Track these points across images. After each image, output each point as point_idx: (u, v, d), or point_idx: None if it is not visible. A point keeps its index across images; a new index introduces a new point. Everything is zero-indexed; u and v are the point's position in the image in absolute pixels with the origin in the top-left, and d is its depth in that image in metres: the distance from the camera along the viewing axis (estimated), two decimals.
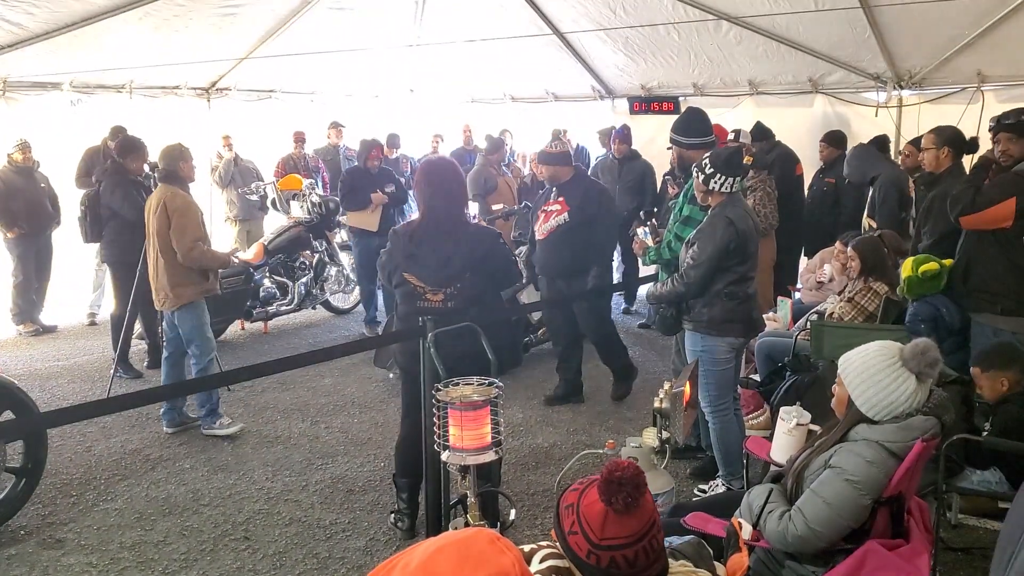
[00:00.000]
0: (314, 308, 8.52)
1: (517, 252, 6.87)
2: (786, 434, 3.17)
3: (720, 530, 2.58)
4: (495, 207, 8.37)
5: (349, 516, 4.27)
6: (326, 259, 8.31)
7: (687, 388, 3.32)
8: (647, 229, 4.82)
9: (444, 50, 9.76)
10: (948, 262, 4.52)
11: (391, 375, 6.40)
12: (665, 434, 3.25)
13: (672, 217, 4.67)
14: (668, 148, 5.09)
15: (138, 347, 6.93)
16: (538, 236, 5.78)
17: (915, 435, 2.46)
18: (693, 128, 4.68)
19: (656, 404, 3.28)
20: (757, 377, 5.39)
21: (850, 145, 7.15)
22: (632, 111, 9.43)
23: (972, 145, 5.17)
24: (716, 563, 2.10)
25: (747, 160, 6.81)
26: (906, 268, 4.66)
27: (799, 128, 8.19)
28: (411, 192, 8.06)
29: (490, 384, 2.89)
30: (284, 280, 7.90)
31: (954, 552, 3.69)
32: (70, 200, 7.89)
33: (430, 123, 11.40)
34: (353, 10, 8.59)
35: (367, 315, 7.96)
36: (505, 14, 8.61)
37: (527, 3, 8.31)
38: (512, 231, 8.25)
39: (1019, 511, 1.75)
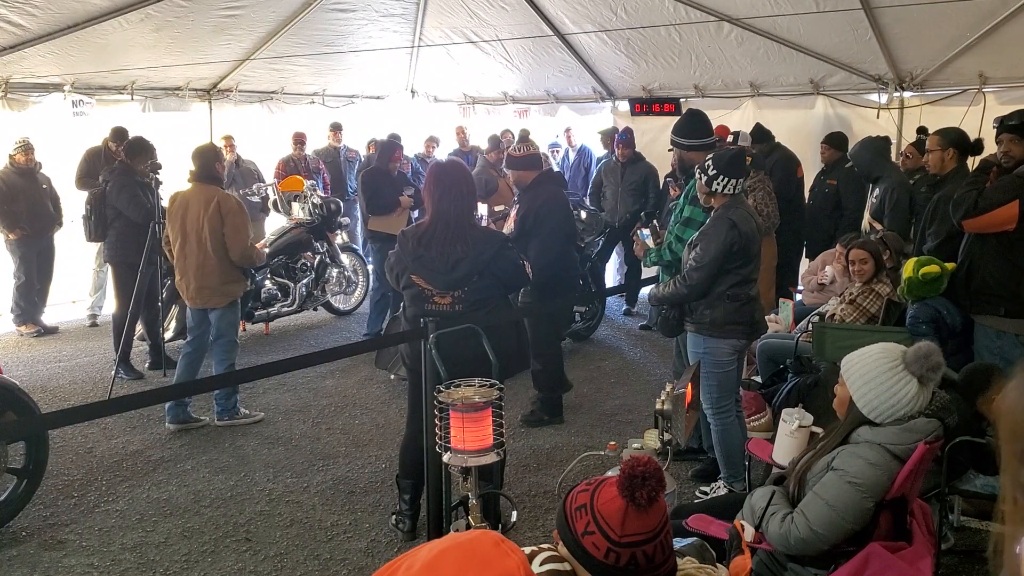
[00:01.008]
0: (315, 309, 8.53)
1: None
2: (788, 436, 3.16)
3: (722, 532, 2.58)
4: (496, 208, 8.38)
5: (351, 517, 4.27)
6: (327, 260, 8.31)
7: (689, 390, 3.32)
8: (648, 231, 4.82)
9: (445, 52, 9.78)
10: (950, 266, 4.52)
11: (392, 376, 6.40)
12: (667, 436, 3.25)
13: (673, 218, 4.66)
14: (669, 150, 5.08)
15: (139, 348, 6.93)
16: None
17: (918, 437, 2.45)
18: (694, 130, 4.68)
19: (658, 406, 3.27)
20: (759, 379, 5.38)
21: (850, 146, 7.14)
22: (633, 113, 9.43)
23: (977, 146, 5.16)
24: (719, 565, 2.09)
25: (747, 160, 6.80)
26: (907, 269, 4.65)
27: (800, 130, 8.20)
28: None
29: (492, 386, 2.88)
30: (285, 281, 7.90)
31: (956, 555, 3.69)
32: (72, 201, 7.91)
33: (430, 125, 11.40)
34: (354, 11, 8.60)
35: (376, 327, 7.55)
36: (506, 15, 8.61)
37: (528, 4, 8.32)
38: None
39: None
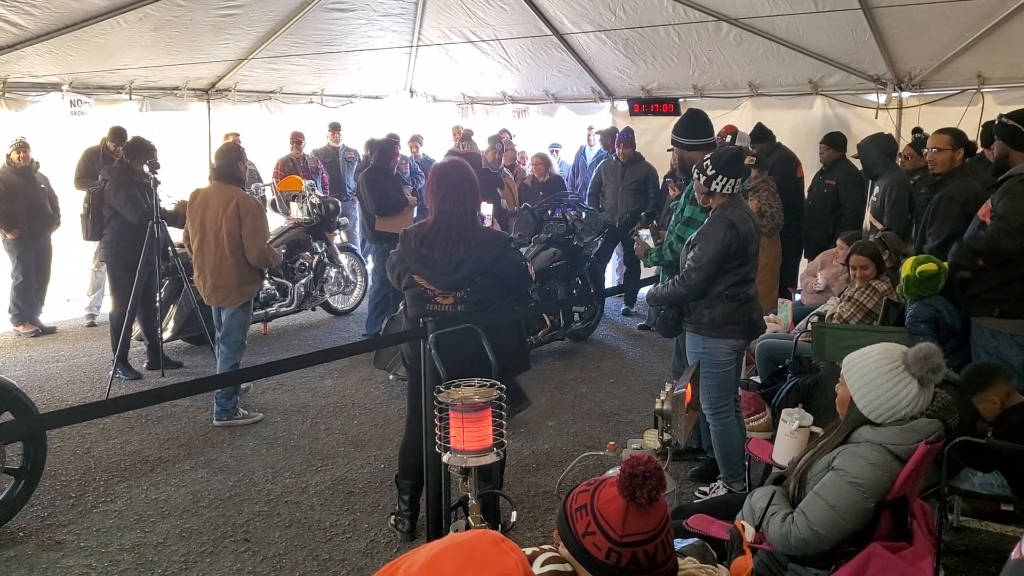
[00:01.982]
0: (313, 309, 8.52)
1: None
2: (788, 436, 3.16)
3: (722, 532, 2.57)
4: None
5: (349, 518, 4.26)
6: (326, 260, 8.30)
7: (688, 390, 3.32)
8: (649, 231, 4.82)
9: (443, 51, 9.77)
10: (945, 264, 4.52)
11: (391, 376, 6.39)
12: (666, 436, 3.24)
13: (673, 218, 4.66)
14: (669, 150, 5.08)
15: (138, 348, 6.92)
16: None
17: (919, 438, 2.45)
18: (694, 130, 4.67)
19: (657, 406, 3.27)
20: (758, 379, 5.38)
21: (851, 146, 7.15)
22: (632, 113, 9.42)
23: (973, 146, 5.18)
24: (720, 565, 2.09)
25: (749, 160, 6.81)
26: (906, 267, 4.66)
27: (799, 130, 8.20)
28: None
29: (492, 386, 2.88)
30: (283, 281, 7.89)
31: (957, 554, 3.69)
32: (69, 201, 7.90)
33: (430, 124, 11.40)
34: (353, 11, 8.59)
35: (375, 327, 7.54)
36: (505, 15, 8.61)
37: (527, 4, 8.32)
38: (513, 232, 8.25)
39: None
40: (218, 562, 3.84)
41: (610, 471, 2.72)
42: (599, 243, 8.34)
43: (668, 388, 3.29)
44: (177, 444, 5.27)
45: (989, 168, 4.78)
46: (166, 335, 6.91)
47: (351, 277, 8.75)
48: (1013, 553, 1.88)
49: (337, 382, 6.50)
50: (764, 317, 4.78)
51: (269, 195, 8.53)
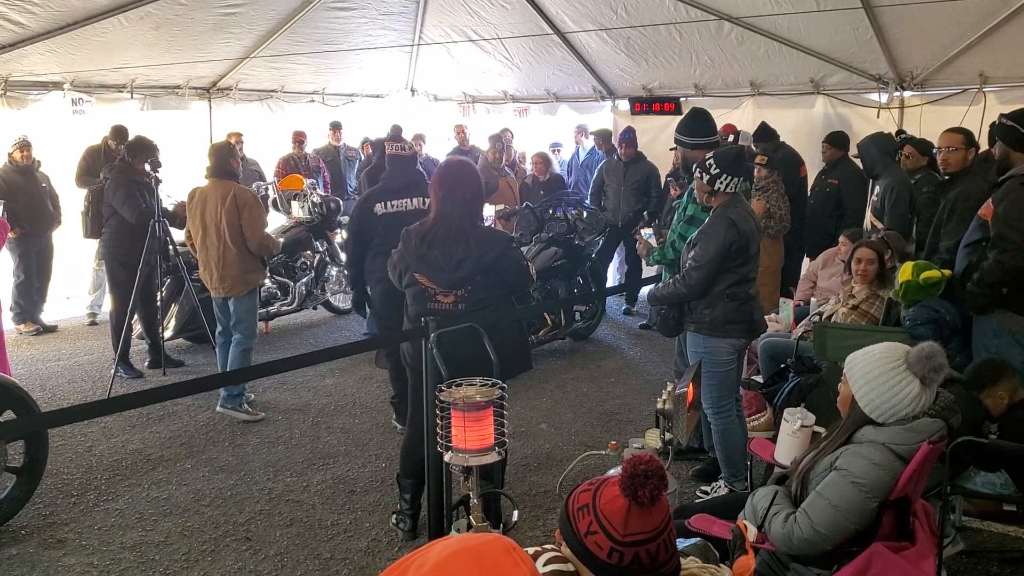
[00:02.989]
0: (315, 308, 8.52)
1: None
2: (790, 436, 3.16)
3: (724, 532, 2.57)
4: (496, 207, 8.37)
5: (351, 517, 4.26)
6: (327, 259, 8.30)
7: (690, 389, 3.31)
8: (651, 230, 4.82)
9: (444, 50, 9.77)
10: (947, 272, 4.51)
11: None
12: (668, 435, 3.24)
13: (676, 217, 4.65)
14: (672, 148, 5.08)
15: (139, 347, 6.92)
16: None
17: (921, 437, 2.45)
18: (697, 128, 4.67)
19: (659, 405, 3.27)
20: (759, 378, 5.37)
21: (852, 146, 7.14)
22: (633, 112, 9.42)
23: (977, 145, 5.19)
24: (722, 565, 2.09)
25: (760, 160, 6.81)
26: (904, 272, 4.63)
27: (800, 129, 8.20)
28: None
29: (493, 385, 2.88)
30: (285, 280, 7.89)
31: (959, 555, 3.68)
32: (70, 200, 7.90)
33: (430, 123, 11.39)
34: (354, 10, 8.59)
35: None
36: (506, 14, 8.61)
37: (528, 3, 8.31)
38: (513, 231, 8.24)
39: None
40: (219, 561, 3.84)
41: (612, 471, 2.72)
42: (600, 242, 8.34)
43: (669, 388, 3.29)
44: (178, 443, 5.27)
45: (993, 167, 4.77)
46: (167, 334, 6.91)
47: None
48: None
49: (338, 381, 6.50)
50: (765, 317, 4.77)
51: (271, 194, 8.52)
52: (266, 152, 9.86)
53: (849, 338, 4.44)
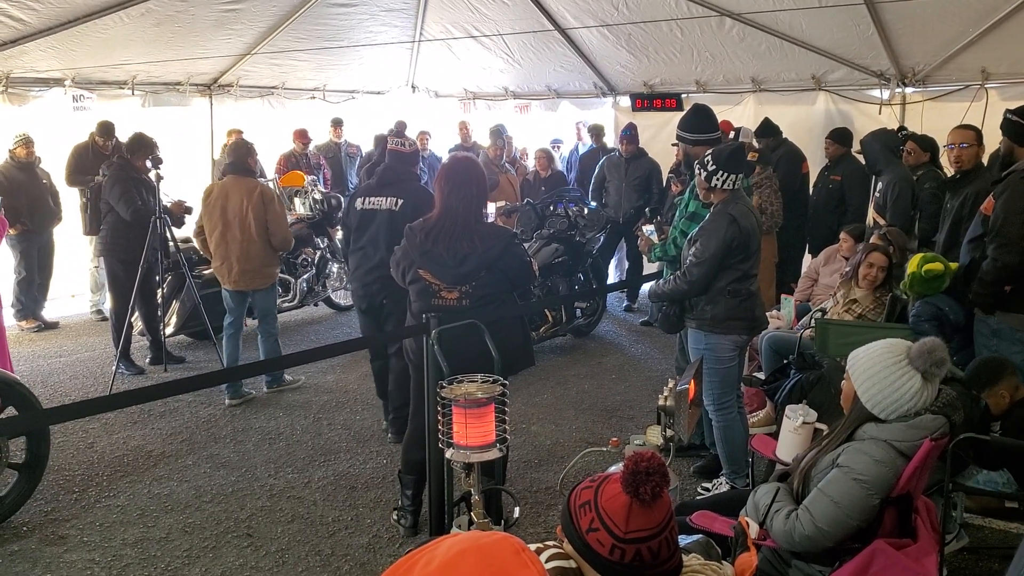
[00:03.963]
0: (316, 305, 8.52)
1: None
2: (792, 432, 3.15)
3: (726, 529, 2.57)
4: (497, 204, 8.36)
5: (352, 513, 4.26)
6: (328, 256, 8.30)
7: (691, 386, 3.31)
8: (652, 227, 4.81)
9: (445, 47, 9.76)
10: (953, 265, 4.50)
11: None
12: (669, 432, 3.24)
13: (677, 214, 4.65)
14: (673, 144, 5.07)
15: (141, 344, 6.93)
16: None
17: (924, 434, 2.45)
18: (699, 125, 4.66)
19: (660, 402, 3.27)
20: (760, 375, 5.37)
21: (854, 142, 7.14)
22: (634, 108, 9.42)
23: None
24: (724, 562, 2.09)
25: (752, 156, 6.80)
26: (912, 264, 4.64)
27: (802, 125, 8.19)
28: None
29: (495, 382, 2.88)
30: (286, 277, 7.89)
31: (961, 552, 3.68)
32: (71, 196, 7.90)
33: (431, 120, 11.39)
34: (355, 6, 8.58)
35: None
36: (507, 10, 8.59)
37: None
38: (514, 228, 8.24)
39: None
40: (221, 557, 3.84)
41: (613, 467, 2.72)
42: (601, 239, 8.33)
43: (671, 384, 3.29)
44: (180, 439, 5.27)
45: (997, 163, 4.76)
46: (169, 330, 6.92)
47: None
48: None
49: (339, 377, 6.50)
50: (767, 313, 4.76)
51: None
52: (267, 149, 9.83)
53: (851, 335, 4.43)
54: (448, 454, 2.87)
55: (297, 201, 8.19)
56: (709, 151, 4.10)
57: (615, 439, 3.50)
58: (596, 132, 9.87)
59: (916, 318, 4.62)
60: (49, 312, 8.11)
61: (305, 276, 8.01)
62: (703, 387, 3.93)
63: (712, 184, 4.00)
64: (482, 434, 2.79)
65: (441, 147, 10.88)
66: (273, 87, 10.00)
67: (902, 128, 7.06)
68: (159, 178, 6.18)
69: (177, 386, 5.37)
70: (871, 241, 5.37)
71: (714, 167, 3.97)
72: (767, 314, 4.95)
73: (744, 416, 4.41)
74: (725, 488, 4.25)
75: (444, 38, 9.54)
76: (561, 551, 1.85)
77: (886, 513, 2.47)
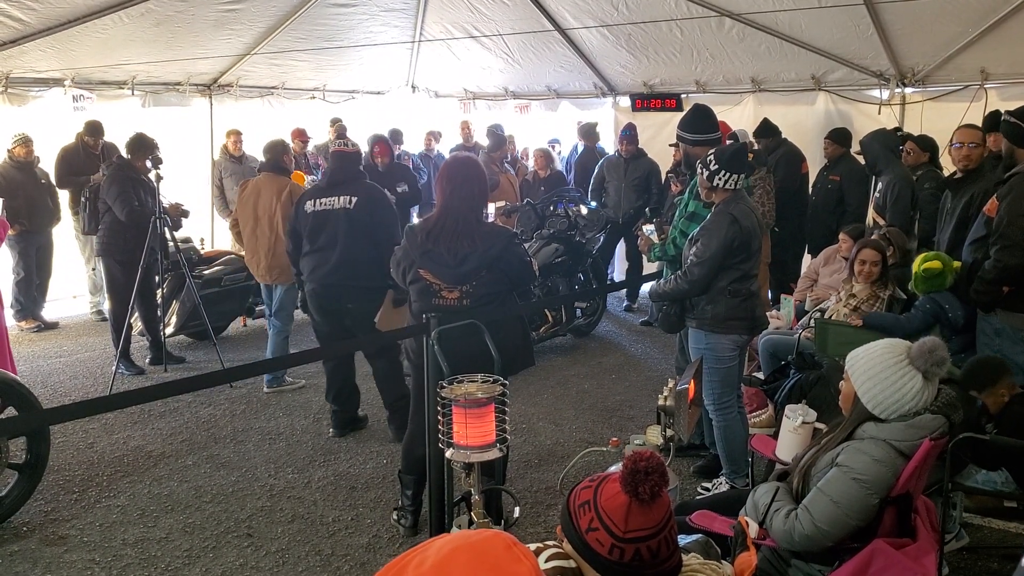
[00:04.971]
0: None
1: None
2: (791, 432, 3.15)
3: (726, 528, 2.57)
4: (497, 204, 8.36)
5: (352, 513, 4.26)
6: None
7: (691, 386, 3.32)
8: (652, 227, 4.82)
9: (445, 47, 9.76)
10: (956, 264, 4.51)
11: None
12: (669, 432, 3.25)
13: (677, 214, 4.66)
14: (672, 145, 5.07)
15: (141, 344, 6.93)
16: None
17: (923, 434, 2.45)
18: (699, 125, 4.66)
19: (660, 402, 3.28)
20: (760, 375, 5.37)
21: (853, 143, 7.14)
22: (634, 108, 9.42)
23: None
24: (724, 561, 2.09)
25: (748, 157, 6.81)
26: (916, 262, 4.66)
27: (801, 125, 8.19)
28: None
29: (495, 381, 2.88)
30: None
31: (960, 551, 3.69)
32: (65, 196, 7.90)
33: (431, 120, 11.39)
34: (355, 6, 8.58)
35: None
36: (507, 10, 8.60)
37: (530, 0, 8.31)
38: (514, 228, 8.24)
39: None
40: (221, 557, 3.84)
41: (613, 467, 2.72)
42: (601, 239, 8.33)
43: (671, 384, 3.29)
44: (180, 439, 5.27)
45: (1000, 165, 4.76)
46: (169, 330, 6.92)
47: None
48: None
49: None
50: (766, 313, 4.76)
51: None
52: None
53: (850, 335, 4.44)
54: (448, 454, 2.87)
55: None
56: (712, 151, 4.10)
57: (615, 439, 3.51)
58: (587, 132, 9.78)
59: (915, 307, 4.65)
60: (49, 312, 8.11)
61: None
62: (703, 387, 3.93)
63: (714, 184, 4.00)
64: (482, 434, 2.79)
65: (442, 147, 10.88)
66: (273, 87, 10.00)
67: (898, 130, 7.07)
68: (159, 178, 6.17)
69: (177, 386, 5.37)
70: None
71: (716, 167, 3.97)
72: (767, 314, 4.96)
73: (744, 416, 4.41)
74: (725, 488, 4.25)
75: (444, 38, 9.54)
76: (561, 551, 1.86)
77: (885, 513, 2.47)
